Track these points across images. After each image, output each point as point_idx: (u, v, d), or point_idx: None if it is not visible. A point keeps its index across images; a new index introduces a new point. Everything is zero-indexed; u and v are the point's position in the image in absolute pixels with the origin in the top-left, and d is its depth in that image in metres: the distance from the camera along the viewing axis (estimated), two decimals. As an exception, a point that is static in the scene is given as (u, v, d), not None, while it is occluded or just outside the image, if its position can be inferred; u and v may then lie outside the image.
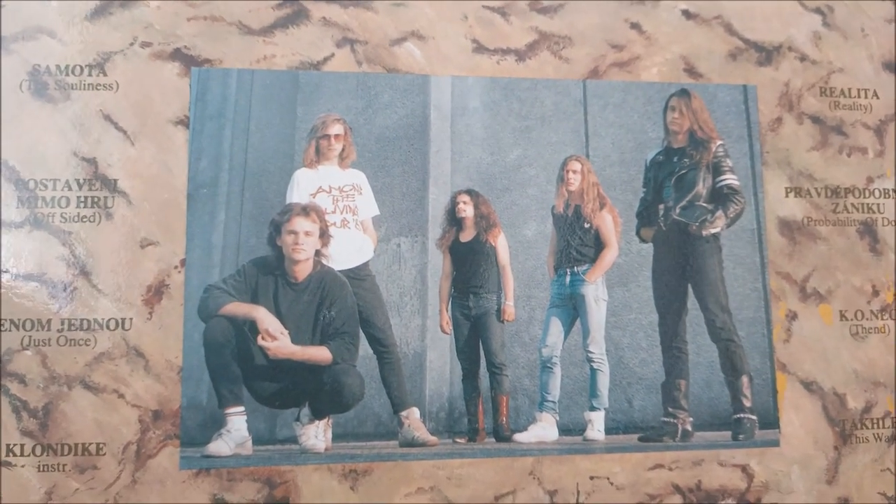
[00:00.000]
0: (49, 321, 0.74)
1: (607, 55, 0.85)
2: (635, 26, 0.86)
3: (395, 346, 0.83)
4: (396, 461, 0.78)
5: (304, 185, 0.82)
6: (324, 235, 0.83)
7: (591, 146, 0.85)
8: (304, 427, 0.83)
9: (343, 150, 0.82)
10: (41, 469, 0.73)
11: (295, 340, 0.81)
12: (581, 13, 0.84)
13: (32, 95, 0.74)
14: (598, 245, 0.88)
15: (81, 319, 0.75)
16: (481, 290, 0.87)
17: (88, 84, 0.76)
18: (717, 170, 0.90)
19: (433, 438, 0.83)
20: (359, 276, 0.84)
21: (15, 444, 0.72)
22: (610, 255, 0.89)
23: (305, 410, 0.83)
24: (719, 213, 0.89)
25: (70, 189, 0.75)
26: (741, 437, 0.86)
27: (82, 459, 0.74)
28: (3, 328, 0.73)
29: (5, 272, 0.74)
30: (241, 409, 0.80)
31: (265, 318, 0.81)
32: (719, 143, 0.90)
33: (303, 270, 0.83)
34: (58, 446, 0.73)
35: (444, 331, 0.86)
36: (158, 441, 0.75)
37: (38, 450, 0.73)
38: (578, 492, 0.80)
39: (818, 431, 0.84)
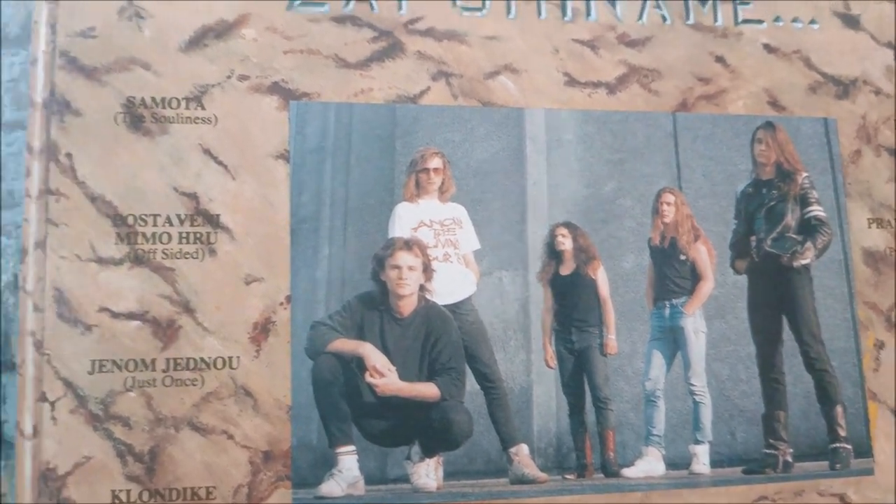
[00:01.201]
0: (153, 361, 0.64)
1: (695, 88, 0.77)
2: (720, 59, 0.78)
3: (502, 381, 0.73)
4: (508, 499, 0.68)
5: (405, 219, 0.73)
6: (427, 270, 0.73)
7: (682, 178, 0.76)
8: (414, 465, 0.72)
9: (442, 183, 0.73)
10: (149, 515, 0.62)
11: (402, 377, 0.71)
12: (668, 46, 0.76)
13: (128, 128, 0.64)
14: (695, 277, 0.79)
15: (187, 358, 0.65)
16: (583, 323, 0.78)
17: (186, 117, 0.67)
18: (804, 201, 0.81)
19: (543, 475, 0.73)
20: (463, 310, 0.74)
21: (121, 490, 0.62)
22: (706, 287, 0.79)
23: (416, 448, 0.73)
24: (808, 244, 0.80)
25: (171, 224, 0.66)
26: (838, 466, 0.77)
27: (192, 504, 0.63)
28: (104, 369, 0.62)
29: (105, 311, 0.63)
30: (352, 448, 0.70)
31: (372, 354, 0.71)
32: (805, 175, 0.81)
33: (408, 305, 0.73)
34: (166, 491, 0.63)
35: (548, 365, 0.76)
36: (270, 483, 0.65)
37: (146, 495, 0.63)
38: None
39: (915, 459, 0.73)
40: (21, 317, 0.63)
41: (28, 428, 0.62)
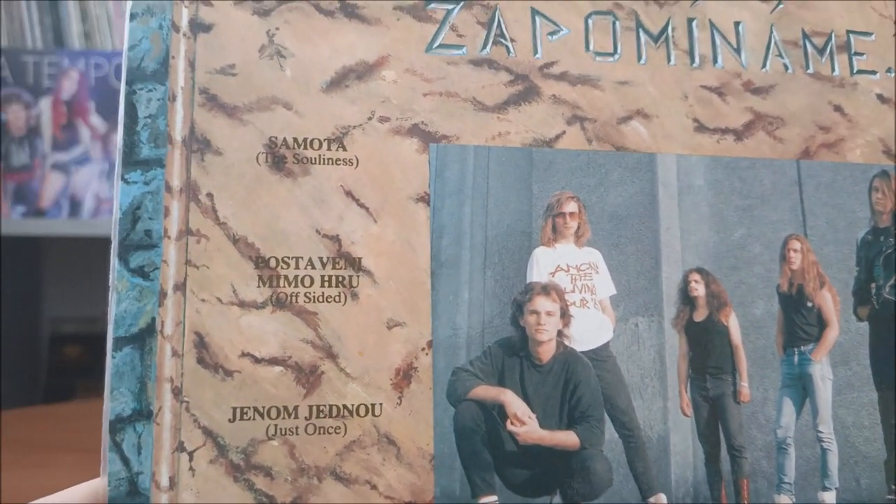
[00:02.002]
0: (296, 408, 0.53)
1: (816, 136, 0.66)
2: (838, 108, 0.66)
3: (640, 429, 0.61)
4: None
5: (543, 264, 0.60)
6: (564, 315, 0.60)
7: (807, 225, 0.63)
8: (555, 516, 0.59)
9: (578, 227, 0.61)
10: (292, 573, 0.49)
11: (542, 424, 0.58)
12: (790, 94, 0.65)
13: (270, 169, 0.52)
14: (821, 324, 0.67)
15: (330, 405, 0.54)
16: (717, 370, 0.65)
17: (328, 158, 0.56)
18: (921, 249, 0.68)
19: (680, 526, 0.60)
20: (600, 356, 0.61)
21: None
22: (832, 334, 0.67)
23: (557, 499, 0.60)
24: (927, 290, 0.68)
25: (313, 267, 0.55)
26: (961, 512, 0.64)
27: (336, 559, 0.50)
28: (246, 417, 0.49)
29: (247, 356, 0.50)
30: (495, 498, 0.57)
31: (513, 401, 0.58)
32: (921, 223, 0.69)
33: (547, 352, 0.60)
34: None
35: (684, 413, 0.63)
36: None
37: None
38: None
39: None
40: (158, 363, 0.52)
41: (164, 480, 0.51)
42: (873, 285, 0.70)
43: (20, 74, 1.77)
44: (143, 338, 0.51)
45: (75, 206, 1.77)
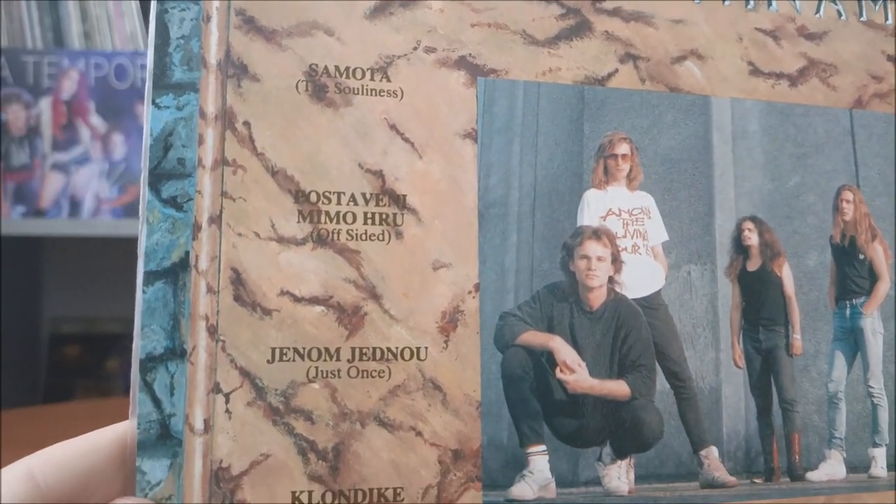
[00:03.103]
0: (338, 350, 0.47)
1: (869, 85, 0.61)
2: (891, 58, 0.61)
3: (692, 380, 0.56)
4: None
5: (594, 207, 0.55)
6: (616, 261, 0.55)
7: (860, 176, 0.59)
8: (606, 467, 0.55)
9: (630, 170, 0.56)
10: (333, 520, 0.44)
11: (592, 373, 0.53)
12: (843, 42, 0.60)
13: (310, 98, 0.46)
14: (873, 277, 0.62)
15: (374, 348, 0.48)
16: (770, 322, 0.60)
17: (371, 89, 0.51)
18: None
19: (732, 479, 0.56)
20: (652, 305, 0.56)
21: (302, 492, 0.46)
22: (883, 288, 0.62)
23: (607, 450, 0.55)
24: (973, 248, 0.63)
25: (356, 204, 0.50)
26: None
27: (379, 507, 0.45)
28: (286, 358, 0.44)
29: (286, 294, 0.45)
30: (544, 448, 0.52)
31: (563, 348, 0.53)
32: (973, 176, 0.64)
33: (597, 298, 0.56)
34: (351, 492, 0.47)
35: (736, 365, 0.58)
36: (460, 484, 0.49)
37: (329, 497, 0.47)
38: None
39: None
40: (192, 299, 0.46)
41: (199, 423, 0.45)
42: (925, 239, 0.65)
43: (20, 74, 1.70)
44: (176, 272, 0.46)
45: (75, 206, 1.70)
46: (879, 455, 0.60)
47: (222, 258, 0.46)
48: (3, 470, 0.42)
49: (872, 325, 0.61)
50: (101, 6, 1.88)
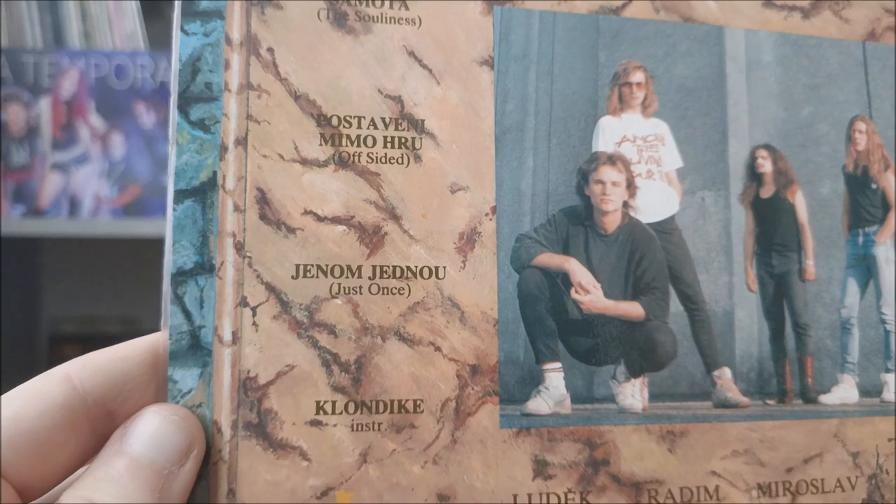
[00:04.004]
0: (360, 268, 0.47)
1: (882, 18, 0.60)
2: (905, -9, 0.60)
3: (705, 302, 0.55)
4: (712, 423, 0.53)
5: (609, 134, 0.54)
6: (630, 186, 0.55)
7: (873, 107, 0.58)
8: (620, 385, 0.54)
9: (645, 98, 0.56)
10: (354, 429, 0.47)
11: (607, 295, 0.53)
12: None
13: (332, 25, 0.47)
14: (885, 206, 0.60)
15: (394, 266, 0.48)
16: (783, 248, 0.59)
17: (390, 17, 0.51)
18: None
19: (745, 399, 0.55)
20: (666, 229, 0.56)
21: (325, 402, 0.46)
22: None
23: (621, 368, 0.55)
24: None
25: (376, 128, 0.49)
26: None
27: (399, 418, 0.47)
28: (309, 274, 0.44)
29: (309, 214, 0.45)
30: (559, 365, 0.52)
31: (578, 270, 0.53)
32: None
33: (612, 222, 0.55)
34: (373, 403, 0.46)
35: (750, 289, 0.57)
36: (478, 398, 0.48)
37: (352, 407, 0.47)
38: (878, 454, 0.54)
39: None
40: (220, 217, 0.46)
41: (227, 334, 0.45)
42: (936, 171, 0.64)
43: (20, 74, 1.64)
44: (204, 191, 0.46)
45: (75, 206, 1.63)
46: (891, 380, 0.59)
47: (248, 178, 0.46)
48: (43, 375, 0.43)
49: (886, 254, 0.60)
50: (101, 6, 1.83)
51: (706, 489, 0.50)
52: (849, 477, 0.53)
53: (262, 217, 0.46)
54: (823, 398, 0.56)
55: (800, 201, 0.58)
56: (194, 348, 0.45)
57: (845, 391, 0.57)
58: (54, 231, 1.71)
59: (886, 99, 0.59)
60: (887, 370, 0.59)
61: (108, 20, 1.82)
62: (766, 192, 0.58)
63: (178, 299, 0.45)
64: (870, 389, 0.57)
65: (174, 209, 0.45)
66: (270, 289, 0.46)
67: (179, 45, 0.47)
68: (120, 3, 1.84)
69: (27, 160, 1.70)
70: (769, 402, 0.56)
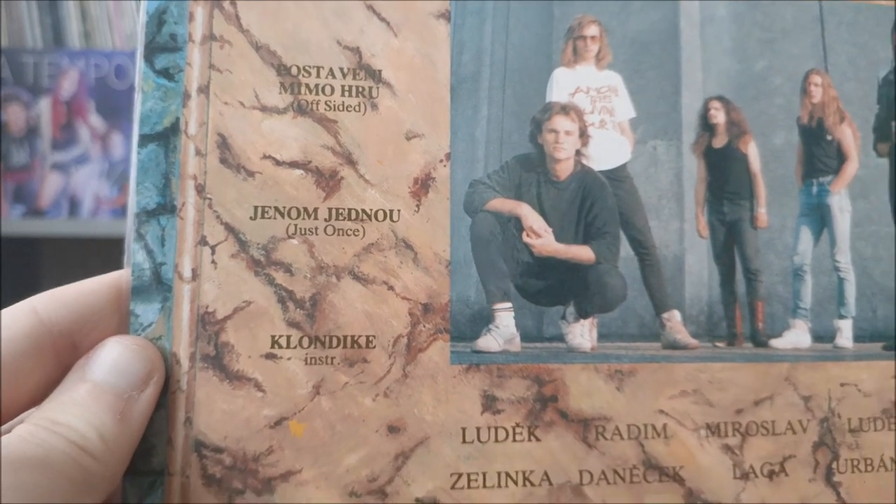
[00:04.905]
0: (316, 210, 0.47)
1: None
2: (862, -51, 0.59)
3: (656, 247, 0.55)
4: (660, 363, 0.52)
5: (562, 85, 0.54)
6: (583, 135, 0.55)
7: (829, 61, 0.57)
8: (570, 325, 0.54)
9: (599, 51, 0.55)
10: (308, 362, 0.47)
11: (558, 239, 0.53)
12: None
13: (294, -19, 0.46)
14: (841, 157, 0.60)
15: (349, 209, 0.48)
16: (735, 196, 0.59)
17: None
18: (943, 89, 0.61)
19: (694, 341, 0.55)
20: (618, 177, 0.56)
21: (281, 336, 0.46)
22: (851, 168, 0.60)
23: (571, 309, 0.55)
24: (947, 130, 0.60)
25: (334, 77, 0.49)
26: (980, 345, 0.57)
27: (352, 352, 0.47)
28: (267, 215, 0.45)
29: (268, 158, 0.45)
30: (509, 305, 0.52)
31: (530, 214, 0.53)
32: (944, 65, 0.61)
33: (564, 169, 0.55)
34: (326, 338, 0.47)
35: (700, 235, 0.57)
36: (429, 335, 0.48)
37: (306, 342, 0.47)
38: (830, 398, 0.53)
39: None
40: (182, 160, 0.47)
41: (187, 271, 0.46)
42: (894, 123, 0.63)
43: (20, 74, 1.59)
44: (167, 136, 0.46)
45: (74, 206, 1.59)
46: (845, 326, 0.58)
47: (210, 124, 0.47)
48: (10, 307, 0.43)
49: (840, 203, 0.59)
50: (101, 6, 1.78)
51: (654, 427, 0.50)
52: (800, 420, 0.52)
53: (223, 161, 0.46)
54: (774, 342, 0.56)
55: (752, 151, 0.57)
56: (155, 284, 0.45)
57: (797, 336, 0.56)
58: (54, 231, 1.67)
59: (843, 54, 0.58)
60: (840, 316, 0.58)
61: (108, 20, 1.78)
62: (719, 142, 0.57)
63: (141, 238, 0.45)
64: (823, 335, 0.56)
65: (138, 153, 0.46)
66: (229, 229, 0.46)
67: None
68: (120, 3, 1.81)
69: (27, 160, 1.66)
70: (719, 344, 0.56)
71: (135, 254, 0.45)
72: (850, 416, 0.53)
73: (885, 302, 0.55)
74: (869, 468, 0.52)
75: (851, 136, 0.59)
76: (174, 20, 0.47)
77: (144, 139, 0.46)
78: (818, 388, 0.52)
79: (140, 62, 0.47)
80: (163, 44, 0.47)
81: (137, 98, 0.47)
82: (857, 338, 0.56)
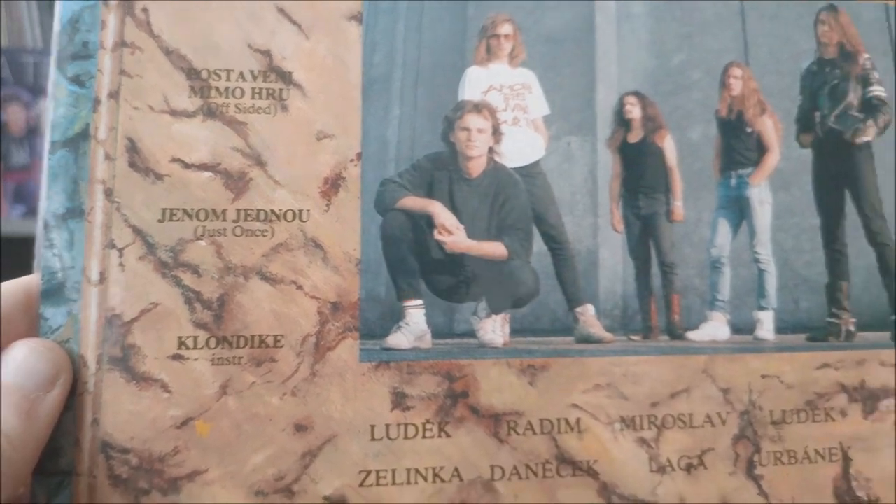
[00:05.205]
0: (224, 211, 0.47)
1: None
2: (785, -58, 0.58)
3: (569, 243, 0.55)
4: (573, 357, 0.51)
5: (475, 83, 0.54)
6: (496, 133, 0.55)
7: (750, 55, 0.56)
8: (481, 321, 0.54)
9: (513, 49, 0.55)
10: (215, 362, 0.47)
11: (470, 236, 0.52)
12: None
13: (205, -14, 0.46)
14: (761, 149, 0.59)
15: (258, 210, 0.48)
16: (651, 190, 0.59)
17: None
18: (865, 82, 0.61)
19: (608, 335, 0.54)
20: (531, 173, 0.55)
21: (188, 337, 0.46)
22: (772, 159, 0.60)
23: (482, 305, 0.55)
24: (870, 122, 0.60)
25: (244, 80, 0.49)
26: (900, 337, 0.57)
27: (259, 352, 0.47)
28: (175, 218, 0.45)
29: (177, 161, 0.45)
30: (420, 302, 0.52)
31: (441, 212, 0.52)
32: (866, 56, 0.61)
33: (476, 167, 0.55)
34: (234, 338, 0.47)
35: (615, 229, 0.57)
36: (338, 333, 0.48)
37: (213, 342, 0.47)
38: (751, 390, 0.52)
39: (970, 339, 0.54)
40: (91, 165, 0.47)
41: (95, 275, 0.46)
42: (817, 114, 0.62)
43: (20, 74, 1.57)
44: (77, 142, 0.46)
45: None
46: (766, 318, 0.57)
47: (119, 129, 0.47)
48: None
49: (760, 195, 0.59)
50: None
51: (567, 421, 0.49)
52: (719, 412, 0.52)
53: (132, 164, 0.46)
54: (691, 334, 0.55)
55: (669, 145, 0.57)
56: (64, 288, 0.45)
57: (715, 328, 0.56)
58: (55, 231, 1.67)
59: (764, 46, 0.57)
60: (761, 308, 0.57)
61: (107, 20, 1.76)
62: (634, 136, 0.57)
63: (50, 242, 0.45)
64: (742, 327, 0.56)
65: (49, 159, 0.46)
66: (137, 232, 0.46)
67: (61, 9, 0.48)
68: (120, 4, 1.78)
69: (27, 160, 1.65)
70: (633, 338, 0.55)
71: (45, 258, 0.45)
72: (772, 408, 0.52)
73: (809, 293, 0.55)
74: (792, 461, 0.52)
75: (773, 128, 0.59)
76: (87, 28, 0.47)
77: (55, 145, 0.46)
78: (738, 381, 0.52)
79: (53, 70, 0.47)
80: (75, 52, 0.47)
81: (50, 105, 0.47)
82: (779, 329, 0.55)
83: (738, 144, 0.56)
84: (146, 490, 0.43)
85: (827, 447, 0.51)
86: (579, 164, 0.48)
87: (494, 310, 0.50)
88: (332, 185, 0.48)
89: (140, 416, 0.44)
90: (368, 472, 0.46)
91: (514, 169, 0.50)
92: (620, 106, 0.53)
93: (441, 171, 0.48)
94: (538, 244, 0.50)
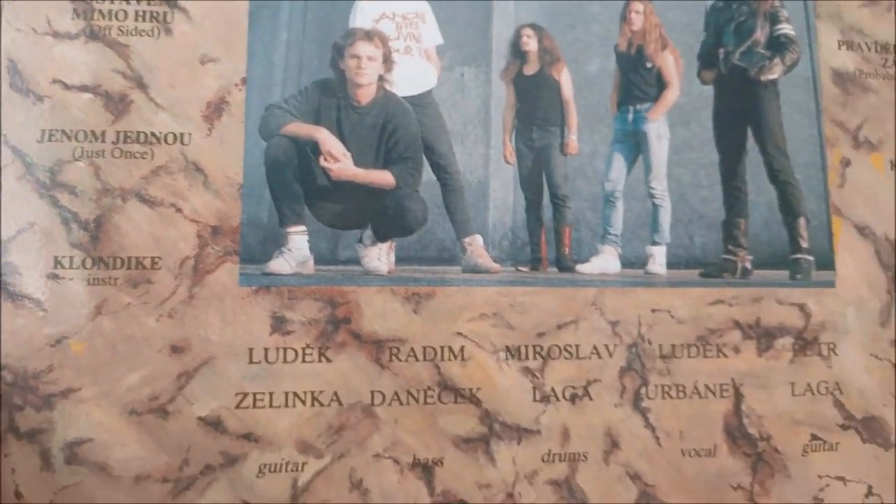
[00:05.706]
0: (103, 133, 0.46)
1: None
2: None
3: (459, 173, 0.54)
4: (459, 286, 0.50)
5: (367, 11, 0.53)
6: (387, 61, 0.53)
7: (653, -11, 0.54)
8: (366, 249, 0.53)
9: (406, -23, 0.54)
10: (91, 283, 0.46)
11: (358, 164, 0.51)
12: None
13: None
14: (660, 84, 0.58)
15: (138, 132, 0.47)
16: (545, 122, 0.57)
17: None
18: (773, 19, 0.59)
19: (496, 266, 0.53)
20: (422, 103, 0.54)
21: (63, 257, 0.44)
22: (671, 95, 0.58)
23: (368, 232, 0.54)
24: (777, 60, 0.59)
25: (128, 3, 0.47)
26: (798, 276, 0.57)
27: (136, 273, 0.46)
28: (54, 139, 0.43)
29: (58, 83, 0.44)
30: (303, 228, 0.51)
31: (328, 139, 0.51)
32: (776, -8, 0.59)
33: (366, 94, 0.53)
34: (110, 259, 0.45)
35: (507, 161, 0.56)
36: (217, 257, 0.47)
37: (89, 263, 0.46)
38: (640, 323, 0.51)
39: (872, 275, 0.55)
40: None
41: None
42: (721, 51, 0.60)
43: None
44: (-45, 62, 0.46)
45: None
46: (658, 253, 0.56)
47: (2, 51, 0.46)
48: None
49: (657, 130, 0.57)
50: None
51: (451, 349, 0.49)
52: (606, 344, 0.51)
53: (12, 86, 0.45)
54: (581, 267, 0.54)
55: (565, 78, 0.55)
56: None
57: (605, 261, 0.55)
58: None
59: (670, -22, 0.56)
60: (654, 243, 0.56)
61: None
62: (530, 69, 0.55)
63: (-73, 161, 0.45)
64: (634, 261, 0.55)
65: (-73, 79, 0.45)
66: (16, 152, 0.45)
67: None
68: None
69: None
70: (522, 269, 0.55)
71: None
72: (661, 342, 0.51)
73: (705, 229, 0.54)
74: (681, 395, 0.51)
75: (673, 64, 0.57)
76: (-34, -52, 0.46)
77: (-67, 65, 0.45)
78: (627, 314, 0.51)
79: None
80: (-45, -29, 0.46)
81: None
82: (672, 264, 0.54)
83: (637, 79, 0.55)
84: (20, 406, 0.43)
85: (718, 383, 0.49)
86: (472, 95, 0.47)
87: (380, 238, 0.49)
88: (216, 110, 0.47)
89: (15, 334, 0.43)
90: (245, 395, 0.45)
91: (405, 98, 0.49)
92: (517, 38, 0.51)
93: (329, 98, 0.47)
94: (428, 174, 0.49)
